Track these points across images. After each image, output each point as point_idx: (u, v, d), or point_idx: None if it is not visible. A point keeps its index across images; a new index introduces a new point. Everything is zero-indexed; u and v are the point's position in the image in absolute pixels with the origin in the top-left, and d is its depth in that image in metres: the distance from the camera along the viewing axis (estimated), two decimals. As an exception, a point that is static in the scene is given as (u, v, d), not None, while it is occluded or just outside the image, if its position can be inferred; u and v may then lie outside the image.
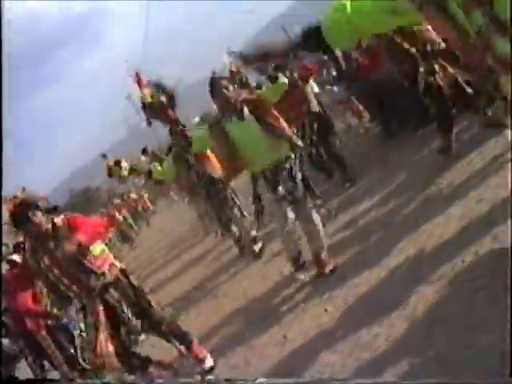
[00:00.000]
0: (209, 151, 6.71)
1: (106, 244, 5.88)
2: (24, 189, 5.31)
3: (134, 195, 22.64)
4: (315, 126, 8.63)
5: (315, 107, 8.65)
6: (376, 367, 3.71)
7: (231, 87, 5.66)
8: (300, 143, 5.70)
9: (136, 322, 5.22)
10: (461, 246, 4.43)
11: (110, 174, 10.80)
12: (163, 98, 7.31)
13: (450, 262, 4.29)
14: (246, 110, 5.55)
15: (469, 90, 6.75)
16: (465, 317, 3.55)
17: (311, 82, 9.31)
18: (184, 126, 7.46)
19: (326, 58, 9.94)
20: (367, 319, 4.30)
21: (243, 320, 6.02)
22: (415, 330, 3.82)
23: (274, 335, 5.13)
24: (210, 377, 5.02)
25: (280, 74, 5.92)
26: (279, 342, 4.92)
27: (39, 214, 5.03)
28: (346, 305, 4.83)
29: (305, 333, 4.80)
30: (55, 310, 6.61)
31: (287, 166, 5.52)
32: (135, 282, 5.30)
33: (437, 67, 6.47)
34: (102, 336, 4.90)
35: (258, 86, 7.89)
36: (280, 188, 5.45)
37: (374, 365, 3.76)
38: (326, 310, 4.93)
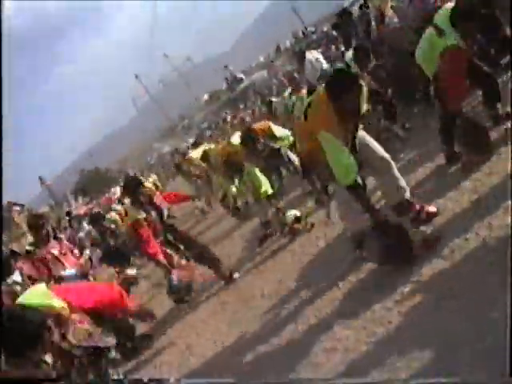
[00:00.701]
0: None
1: None
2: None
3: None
4: None
5: None
6: (389, 341, 3.73)
7: None
8: None
9: None
10: (473, 219, 4.41)
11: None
12: None
13: (462, 236, 4.28)
14: None
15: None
16: (478, 291, 3.55)
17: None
18: None
19: (334, 33, 9.81)
20: (380, 294, 4.32)
21: (258, 294, 6.10)
22: (428, 305, 3.84)
23: (288, 311, 5.18)
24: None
25: None
26: (293, 318, 4.96)
27: None
28: (358, 279, 4.84)
29: (317, 308, 4.83)
30: None
31: None
32: None
33: None
34: None
35: None
36: None
37: (386, 339, 3.78)
38: (339, 287, 4.94)
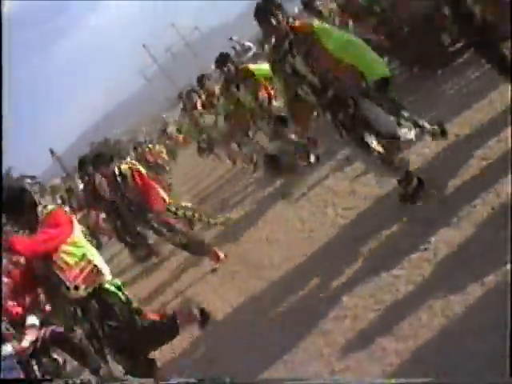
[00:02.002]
0: None
1: None
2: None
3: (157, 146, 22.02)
4: None
5: None
6: (397, 309, 3.75)
7: None
8: None
9: None
10: (482, 186, 4.38)
11: None
12: None
13: (471, 203, 4.26)
14: None
15: None
16: (485, 257, 3.55)
17: None
18: None
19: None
20: (388, 262, 4.33)
21: (267, 263, 6.14)
22: (435, 272, 3.84)
23: (297, 279, 5.20)
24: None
25: None
26: (302, 286, 4.98)
27: None
28: (367, 248, 4.84)
29: (327, 276, 4.85)
30: None
31: None
32: None
33: None
34: None
35: None
36: None
37: (394, 307, 3.80)
38: (347, 255, 4.95)
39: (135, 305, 4.73)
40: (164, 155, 19.68)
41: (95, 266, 4.44)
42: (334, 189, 6.65)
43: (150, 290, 8.28)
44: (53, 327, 5.88)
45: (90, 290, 4.39)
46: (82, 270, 4.37)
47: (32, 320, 5.63)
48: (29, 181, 48.91)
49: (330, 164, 7.60)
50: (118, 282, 4.69)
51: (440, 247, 4.07)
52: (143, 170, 7.53)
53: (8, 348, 5.39)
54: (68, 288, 4.37)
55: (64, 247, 4.35)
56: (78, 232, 4.52)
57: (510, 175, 4.20)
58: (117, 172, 7.07)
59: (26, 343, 5.51)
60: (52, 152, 63.46)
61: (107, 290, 4.50)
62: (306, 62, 4.88)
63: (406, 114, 4.93)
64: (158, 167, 17.29)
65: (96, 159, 8.10)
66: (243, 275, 6.25)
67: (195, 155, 15.36)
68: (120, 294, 4.56)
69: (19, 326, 5.70)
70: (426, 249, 4.15)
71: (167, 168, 19.23)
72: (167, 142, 27.39)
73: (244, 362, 4.50)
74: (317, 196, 6.97)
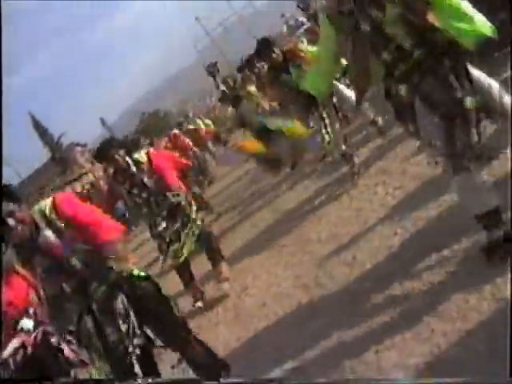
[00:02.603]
0: None
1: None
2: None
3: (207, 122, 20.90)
4: None
5: None
6: (445, 290, 3.71)
7: None
8: None
9: None
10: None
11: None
12: None
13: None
14: None
15: None
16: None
17: None
18: None
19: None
20: (437, 242, 4.29)
21: (314, 238, 6.13)
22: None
23: (344, 256, 5.20)
24: None
25: None
26: (348, 263, 4.98)
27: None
28: (416, 228, 4.80)
29: (374, 255, 4.84)
30: None
31: None
32: None
33: None
34: None
35: None
36: None
37: (442, 288, 3.76)
38: (395, 234, 4.93)
39: None
40: (212, 128, 18.21)
41: None
42: (386, 169, 6.60)
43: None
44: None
45: None
46: None
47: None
48: (79, 148, 49.78)
49: (382, 143, 7.54)
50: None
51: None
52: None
53: None
54: None
55: None
56: None
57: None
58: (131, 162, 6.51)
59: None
60: (103, 121, 64.46)
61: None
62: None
63: None
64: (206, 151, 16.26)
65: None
66: (290, 249, 6.28)
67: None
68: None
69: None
70: (477, 230, 4.09)
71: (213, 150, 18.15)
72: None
73: (291, 332, 4.57)
74: (369, 176, 6.94)
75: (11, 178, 42.79)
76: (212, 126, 18.46)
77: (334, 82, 6.41)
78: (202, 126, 17.17)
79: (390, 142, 7.19)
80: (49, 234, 3.69)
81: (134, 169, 6.17)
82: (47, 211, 3.75)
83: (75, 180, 39.50)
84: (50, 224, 3.71)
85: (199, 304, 6.46)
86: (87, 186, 24.68)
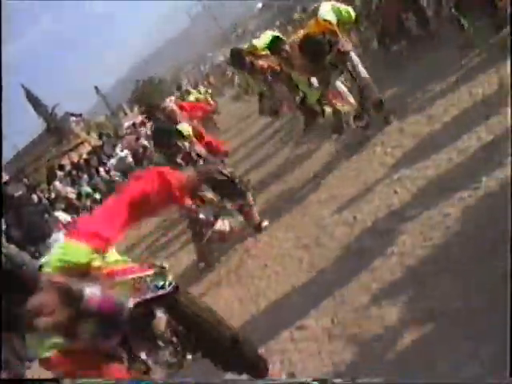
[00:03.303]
0: None
1: None
2: None
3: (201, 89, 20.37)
4: None
5: None
6: (446, 246, 3.75)
7: None
8: None
9: None
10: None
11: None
12: None
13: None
14: None
15: None
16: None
17: None
18: None
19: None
20: (437, 200, 4.32)
21: (314, 200, 6.18)
22: (488, 210, 3.82)
23: (344, 216, 5.24)
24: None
25: None
26: (349, 223, 5.02)
27: None
28: (415, 186, 4.83)
29: (374, 214, 4.87)
30: None
31: None
32: None
33: None
34: None
35: None
36: None
37: (444, 243, 3.81)
38: (395, 192, 4.95)
39: None
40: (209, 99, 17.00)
41: None
42: (383, 128, 6.61)
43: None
44: None
45: None
46: None
47: None
48: (73, 118, 49.50)
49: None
50: None
51: (491, 186, 4.04)
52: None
53: None
54: None
55: None
56: None
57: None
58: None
59: None
60: (97, 89, 63.96)
61: None
62: None
63: None
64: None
65: None
66: (291, 212, 6.30)
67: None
68: None
69: None
70: (477, 188, 4.13)
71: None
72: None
73: (293, 292, 4.62)
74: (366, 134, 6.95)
75: (8, 150, 42.62)
76: (209, 96, 17.91)
77: None
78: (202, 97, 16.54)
79: (386, 101, 7.16)
80: None
81: None
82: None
83: (71, 150, 39.33)
84: None
85: (202, 265, 6.51)
86: (85, 156, 24.74)
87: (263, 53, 8.29)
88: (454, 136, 5.11)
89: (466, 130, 5.06)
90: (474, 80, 6.16)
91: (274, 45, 7.80)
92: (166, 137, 6.22)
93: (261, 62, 8.39)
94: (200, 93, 17.75)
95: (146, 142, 19.32)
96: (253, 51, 8.42)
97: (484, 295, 3.08)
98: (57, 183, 19.40)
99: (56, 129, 49.54)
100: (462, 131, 5.09)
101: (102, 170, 20.39)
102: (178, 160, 6.09)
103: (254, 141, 12.18)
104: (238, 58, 8.47)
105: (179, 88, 20.55)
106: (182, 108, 6.97)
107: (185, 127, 6.36)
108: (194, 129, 6.47)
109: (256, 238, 6.29)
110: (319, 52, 6.20)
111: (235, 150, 11.61)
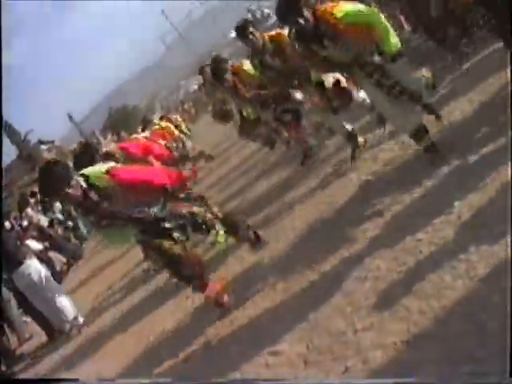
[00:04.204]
0: None
1: None
2: None
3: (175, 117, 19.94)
4: None
5: None
6: (419, 271, 3.77)
7: None
8: None
9: None
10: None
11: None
12: None
13: (496, 169, 4.25)
14: None
15: None
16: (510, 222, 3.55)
17: None
18: None
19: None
20: (411, 225, 4.36)
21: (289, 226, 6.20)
22: (459, 235, 3.86)
23: (318, 243, 5.26)
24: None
25: None
26: (325, 249, 5.02)
27: None
28: (390, 211, 4.87)
29: (349, 238, 4.89)
30: None
31: None
32: None
33: None
34: None
35: None
36: None
37: (417, 268, 3.83)
38: (370, 219, 4.98)
39: None
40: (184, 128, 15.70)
41: None
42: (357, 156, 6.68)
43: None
44: None
45: None
46: None
47: None
48: (43, 147, 49.23)
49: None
50: None
51: (464, 212, 4.08)
52: None
53: None
54: None
55: None
56: None
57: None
58: None
59: None
60: (70, 117, 63.72)
61: None
62: None
63: None
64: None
65: None
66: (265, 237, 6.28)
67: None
68: None
69: None
70: (449, 212, 4.17)
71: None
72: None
73: (265, 322, 4.60)
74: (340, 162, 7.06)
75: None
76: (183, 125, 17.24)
77: None
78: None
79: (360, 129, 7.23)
80: None
81: None
82: None
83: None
84: None
85: None
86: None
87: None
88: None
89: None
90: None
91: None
92: None
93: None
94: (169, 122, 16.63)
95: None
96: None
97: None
98: (29, 210, 19.17)
99: (28, 156, 49.16)
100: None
101: (74, 197, 20.12)
102: None
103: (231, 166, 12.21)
104: (220, 69, 7.84)
105: (144, 120, 19.88)
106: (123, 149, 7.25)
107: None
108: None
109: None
110: None
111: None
